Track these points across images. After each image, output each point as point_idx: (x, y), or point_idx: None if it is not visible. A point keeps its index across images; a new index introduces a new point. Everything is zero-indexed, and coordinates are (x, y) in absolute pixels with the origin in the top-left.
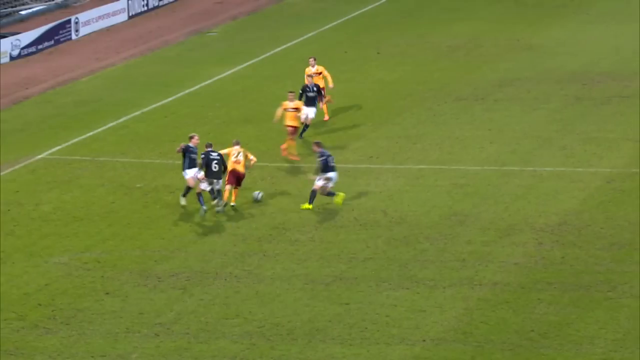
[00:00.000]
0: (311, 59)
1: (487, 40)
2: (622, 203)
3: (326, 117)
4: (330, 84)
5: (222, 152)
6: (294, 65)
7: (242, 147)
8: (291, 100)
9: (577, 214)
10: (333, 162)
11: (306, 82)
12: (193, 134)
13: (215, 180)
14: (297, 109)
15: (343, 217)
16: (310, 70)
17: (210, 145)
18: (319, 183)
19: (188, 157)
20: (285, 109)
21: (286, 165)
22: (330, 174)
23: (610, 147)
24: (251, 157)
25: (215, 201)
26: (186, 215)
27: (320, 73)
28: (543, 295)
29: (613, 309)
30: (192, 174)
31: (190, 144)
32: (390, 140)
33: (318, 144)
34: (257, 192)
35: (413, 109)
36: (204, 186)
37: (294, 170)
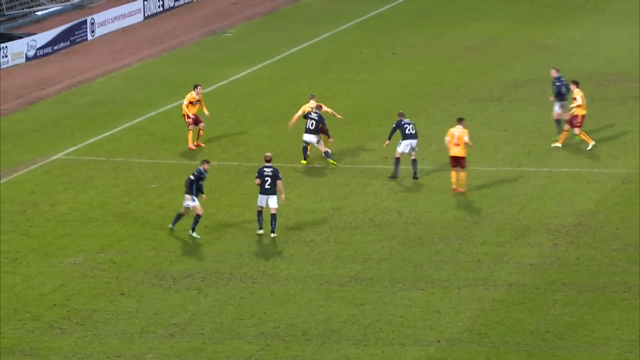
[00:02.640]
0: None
1: (503, 41)
2: (637, 204)
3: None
4: (338, 116)
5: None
6: (310, 66)
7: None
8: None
9: (592, 214)
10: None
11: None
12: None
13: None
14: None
15: (358, 218)
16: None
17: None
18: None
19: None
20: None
21: (301, 166)
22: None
23: (625, 148)
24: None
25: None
26: (202, 216)
27: (320, 107)
28: (558, 296)
29: (628, 310)
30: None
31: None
32: None
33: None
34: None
35: (429, 110)
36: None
37: (309, 171)
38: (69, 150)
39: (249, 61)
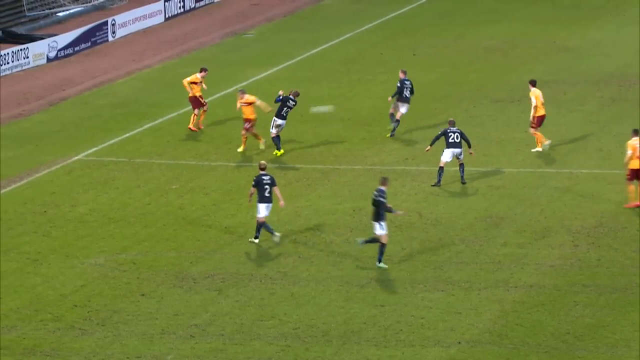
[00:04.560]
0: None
1: (524, 42)
2: None
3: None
4: (267, 109)
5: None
6: (331, 67)
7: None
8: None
9: (613, 216)
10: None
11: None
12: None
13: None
14: (250, 104)
15: None
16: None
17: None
18: None
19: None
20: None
21: (321, 166)
22: None
23: None
24: None
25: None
26: (222, 217)
27: (251, 103)
28: (579, 298)
29: None
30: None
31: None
32: (426, 141)
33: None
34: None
35: (449, 111)
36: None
37: (330, 172)
38: (90, 151)
39: (270, 62)
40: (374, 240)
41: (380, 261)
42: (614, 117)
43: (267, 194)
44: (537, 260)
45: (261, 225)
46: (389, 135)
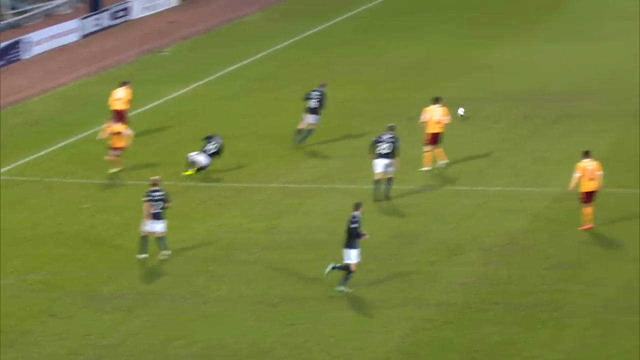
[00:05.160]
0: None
1: (439, 60)
2: (569, 223)
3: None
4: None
5: None
6: (247, 85)
7: None
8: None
9: (524, 233)
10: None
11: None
12: None
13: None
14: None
15: (291, 238)
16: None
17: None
18: None
19: None
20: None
21: (236, 185)
22: None
23: (558, 167)
24: None
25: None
26: (133, 236)
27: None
28: (488, 315)
29: (557, 329)
30: None
31: None
32: (341, 159)
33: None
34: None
35: (365, 128)
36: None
37: (244, 190)
38: (3, 170)
39: (186, 80)
40: (345, 267)
41: (343, 285)
42: (527, 134)
43: (159, 210)
44: (448, 278)
45: (145, 240)
46: (296, 143)
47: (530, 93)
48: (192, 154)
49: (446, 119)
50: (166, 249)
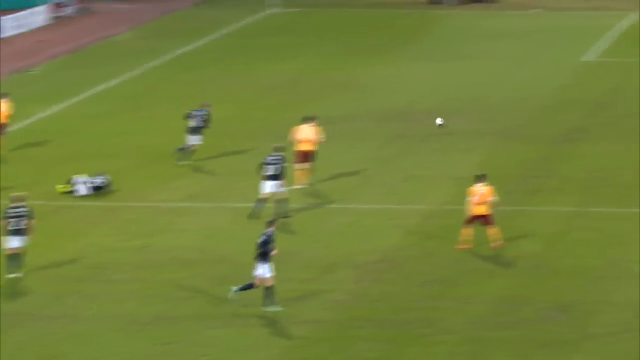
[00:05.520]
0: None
1: (310, 79)
2: (440, 240)
3: None
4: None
5: None
6: (118, 104)
7: None
8: None
9: (396, 250)
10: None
11: None
12: None
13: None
14: None
15: (163, 257)
16: None
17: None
18: None
19: None
20: None
21: (108, 203)
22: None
23: (429, 184)
24: None
25: None
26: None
27: None
28: (361, 333)
29: (429, 345)
30: None
31: None
32: (212, 178)
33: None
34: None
35: (235, 147)
36: None
37: (116, 209)
38: None
39: (56, 99)
40: (249, 286)
41: (271, 303)
42: (398, 152)
43: (22, 226)
44: (321, 296)
45: (11, 258)
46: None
47: (401, 111)
48: (78, 178)
49: (319, 138)
50: (19, 269)
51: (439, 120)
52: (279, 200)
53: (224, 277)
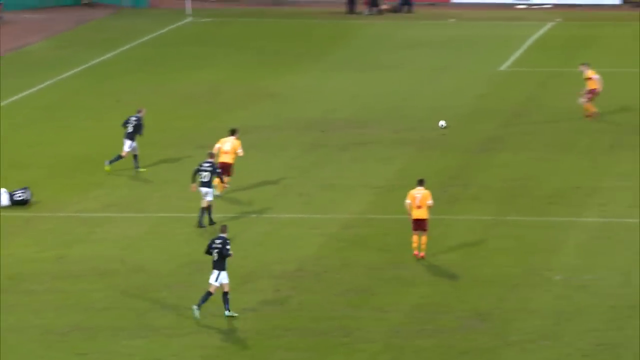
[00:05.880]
0: None
1: (229, 88)
2: (358, 249)
3: None
4: None
5: None
6: (33, 114)
7: None
8: None
9: (314, 260)
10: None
11: None
12: None
13: None
14: None
15: (81, 267)
16: None
17: None
18: None
19: None
20: None
21: (24, 214)
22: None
23: (347, 194)
24: None
25: None
26: None
27: None
28: (281, 342)
29: (349, 354)
30: None
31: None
32: (130, 188)
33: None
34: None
35: (154, 157)
36: None
37: (32, 219)
38: None
39: None
40: (207, 296)
41: (228, 310)
42: (316, 161)
43: None
44: (240, 305)
45: None
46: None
47: (319, 121)
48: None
49: (238, 152)
50: None
51: (442, 123)
52: (205, 208)
53: (142, 287)
